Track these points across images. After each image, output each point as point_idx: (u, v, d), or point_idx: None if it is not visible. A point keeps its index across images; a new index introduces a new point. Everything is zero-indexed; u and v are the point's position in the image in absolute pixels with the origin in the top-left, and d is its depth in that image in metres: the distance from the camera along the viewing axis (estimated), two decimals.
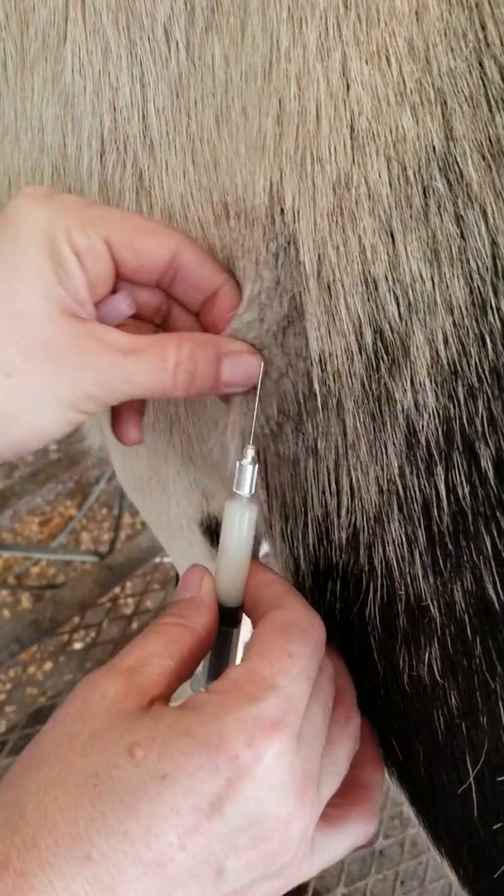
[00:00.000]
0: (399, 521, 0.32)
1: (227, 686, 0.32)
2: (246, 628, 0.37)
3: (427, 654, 0.34)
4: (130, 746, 0.30)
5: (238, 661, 0.36)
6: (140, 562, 1.45)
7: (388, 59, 0.29)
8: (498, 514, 0.30)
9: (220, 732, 0.30)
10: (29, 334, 0.34)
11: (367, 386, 0.32)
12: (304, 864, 0.35)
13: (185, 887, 0.30)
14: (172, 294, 0.39)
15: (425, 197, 0.29)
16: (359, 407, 0.32)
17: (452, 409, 0.30)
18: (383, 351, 0.31)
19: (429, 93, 0.29)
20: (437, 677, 0.34)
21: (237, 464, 0.38)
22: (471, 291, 0.29)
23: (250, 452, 0.37)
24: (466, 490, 0.30)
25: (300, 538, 0.37)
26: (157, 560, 1.50)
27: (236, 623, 0.39)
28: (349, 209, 0.31)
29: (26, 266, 0.34)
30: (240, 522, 0.38)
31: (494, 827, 0.37)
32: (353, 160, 0.30)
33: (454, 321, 0.29)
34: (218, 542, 0.39)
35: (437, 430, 0.30)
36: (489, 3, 0.28)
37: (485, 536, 0.30)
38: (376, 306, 0.31)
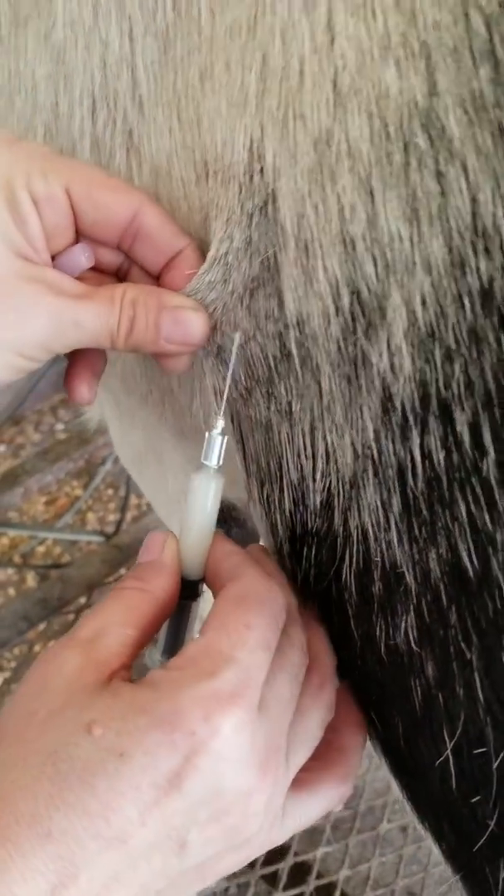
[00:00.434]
0: (374, 486, 0.32)
1: (185, 662, 0.32)
2: (207, 602, 0.36)
3: (403, 623, 0.34)
4: (88, 724, 0.30)
5: (196, 635, 0.35)
6: None
7: (373, 11, 0.29)
8: (473, 479, 0.29)
9: (176, 709, 0.30)
10: None
11: (343, 348, 0.31)
12: (275, 830, 0.35)
13: (149, 860, 0.30)
14: (133, 256, 0.38)
15: (406, 153, 0.28)
16: (334, 370, 0.32)
17: (429, 373, 0.29)
18: (360, 312, 0.30)
19: (413, 46, 0.28)
20: (414, 646, 0.34)
21: (206, 434, 0.37)
22: (450, 251, 0.28)
23: (220, 423, 0.37)
24: (441, 455, 0.30)
25: (276, 503, 0.37)
26: None
27: (196, 596, 0.38)
28: (329, 167, 0.30)
29: None
30: (204, 494, 0.37)
31: (473, 800, 0.37)
32: (335, 117, 0.30)
33: (432, 282, 0.29)
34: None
35: (413, 394, 0.30)
36: None
37: (460, 503, 0.30)
38: (353, 267, 0.30)
